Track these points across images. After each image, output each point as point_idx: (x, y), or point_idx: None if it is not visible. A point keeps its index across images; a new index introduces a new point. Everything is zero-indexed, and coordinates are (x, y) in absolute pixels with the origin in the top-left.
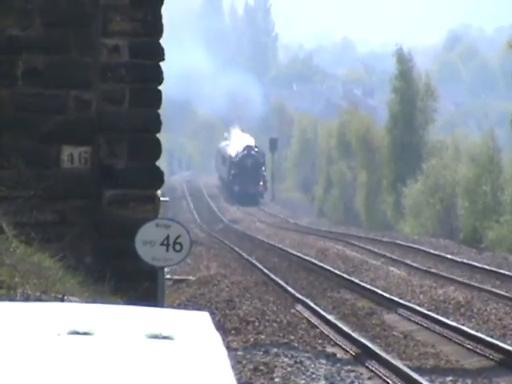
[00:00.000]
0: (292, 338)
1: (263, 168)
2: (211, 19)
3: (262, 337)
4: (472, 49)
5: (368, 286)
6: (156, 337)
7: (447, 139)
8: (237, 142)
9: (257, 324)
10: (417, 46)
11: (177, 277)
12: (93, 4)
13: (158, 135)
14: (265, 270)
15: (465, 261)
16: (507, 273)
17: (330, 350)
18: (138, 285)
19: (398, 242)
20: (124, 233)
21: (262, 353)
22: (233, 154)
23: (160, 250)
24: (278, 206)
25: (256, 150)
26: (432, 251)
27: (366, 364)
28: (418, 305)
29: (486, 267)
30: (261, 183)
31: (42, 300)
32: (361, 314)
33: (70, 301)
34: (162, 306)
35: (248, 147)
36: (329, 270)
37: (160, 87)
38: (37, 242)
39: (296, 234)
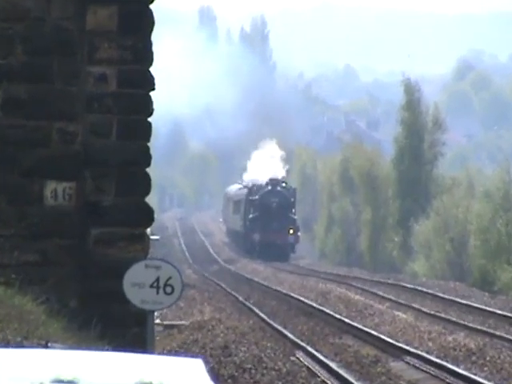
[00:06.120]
0: None
1: (293, 210)
2: (205, 46)
3: None
4: (484, 77)
5: (372, 332)
6: None
7: (460, 174)
8: (257, 173)
9: (254, 372)
10: (425, 74)
11: (168, 322)
12: (78, 30)
13: (147, 170)
14: (262, 315)
15: (476, 305)
16: None
17: None
18: (127, 330)
19: (404, 284)
20: (111, 274)
21: None
22: (252, 191)
23: (150, 292)
24: None
25: (283, 185)
26: (441, 295)
27: None
28: (427, 352)
29: (500, 312)
30: (291, 231)
31: (24, 346)
32: (365, 361)
33: (54, 347)
34: (151, 353)
35: (273, 181)
36: (330, 315)
37: (150, 119)
38: (18, 284)
39: (295, 275)
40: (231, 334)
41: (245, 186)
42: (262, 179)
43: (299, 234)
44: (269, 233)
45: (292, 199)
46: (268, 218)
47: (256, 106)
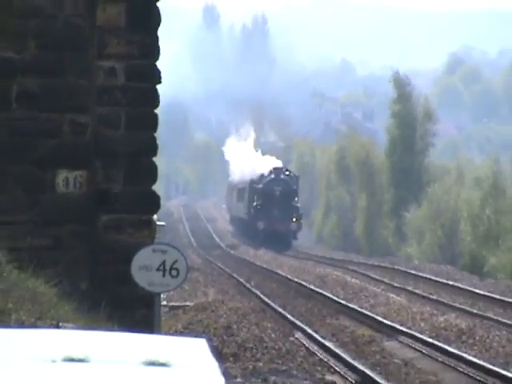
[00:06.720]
0: (291, 365)
1: (296, 198)
2: (208, 42)
3: (261, 364)
4: (474, 72)
5: (368, 313)
6: (153, 364)
7: (450, 163)
8: (260, 163)
9: (255, 351)
10: (418, 68)
11: (173, 303)
12: (89, 26)
13: (154, 159)
14: (263, 297)
15: (467, 287)
16: (510, 300)
17: (329, 377)
18: (134, 311)
19: (398, 268)
20: (120, 258)
21: (260, 380)
22: (255, 180)
23: (156, 275)
24: None
25: (287, 173)
26: (433, 277)
27: None
28: (419, 332)
29: (489, 294)
30: (294, 219)
31: (37, 326)
32: (360, 341)
33: (66, 327)
34: (158, 333)
35: (276, 170)
36: (328, 297)
37: (156, 110)
38: (31, 268)
39: (294, 259)
40: (233, 315)
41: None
42: (265, 168)
43: (302, 221)
44: (272, 221)
45: (295, 187)
46: (271, 206)
47: (257, 99)
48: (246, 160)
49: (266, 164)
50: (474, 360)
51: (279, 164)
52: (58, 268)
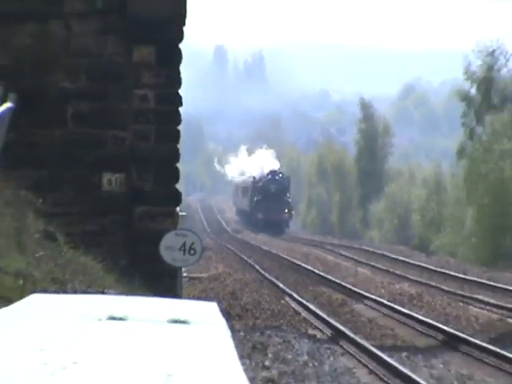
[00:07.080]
0: (282, 322)
1: (288, 194)
2: (217, 72)
3: (259, 321)
4: (423, 98)
5: (341, 282)
6: (176, 321)
7: (404, 168)
8: (260, 167)
9: (254, 311)
10: (379, 94)
11: (192, 275)
12: (127, 63)
13: (177, 164)
14: (261, 270)
15: (416, 262)
16: (449, 272)
17: (311, 331)
18: (162, 281)
19: (364, 248)
20: (151, 241)
21: (258, 334)
22: (256, 179)
23: (178, 253)
24: None
25: (280, 175)
26: (391, 255)
27: (340, 343)
28: (380, 297)
29: (433, 268)
30: (286, 210)
31: (87, 292)
32: (335, 304)
33: (109, 293)
34: (180, 298)
35: (272, 172)
36: (310, 270)
37: (178, 127)
38: (83, 248)
39: (285, 241)
40: (238, 284)
41: (250, 176)
42: (264, 171)
43: (293, 212)
44: (269, 212)
45: (287, 185)
46: (269, 200)
47: (256, 117)
48: (246, 166)
49: (263, 163)
50: (422, 318)
51: (275, 162)
52: (103, 248)
